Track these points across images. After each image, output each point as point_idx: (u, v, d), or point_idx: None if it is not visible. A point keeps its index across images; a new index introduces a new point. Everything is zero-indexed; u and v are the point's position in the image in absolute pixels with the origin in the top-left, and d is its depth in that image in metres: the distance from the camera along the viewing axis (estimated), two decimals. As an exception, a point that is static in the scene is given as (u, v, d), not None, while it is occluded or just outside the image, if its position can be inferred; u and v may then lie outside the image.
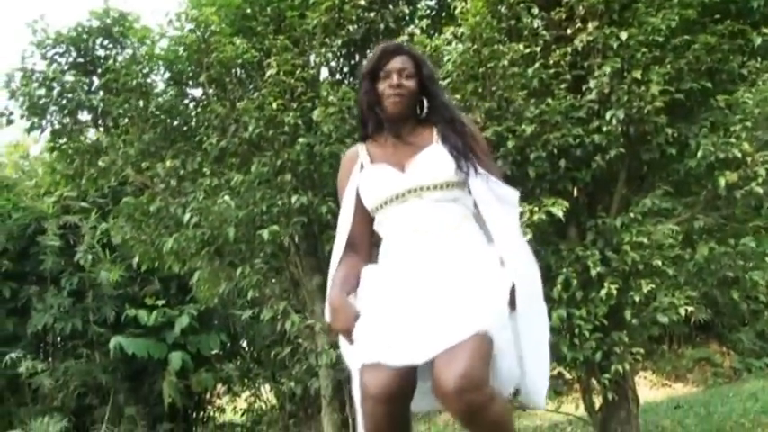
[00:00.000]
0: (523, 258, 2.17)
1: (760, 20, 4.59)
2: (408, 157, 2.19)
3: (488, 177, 2.21)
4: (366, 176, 2.24)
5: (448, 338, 1.86)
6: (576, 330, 4.40)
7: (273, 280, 5.27)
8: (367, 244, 2.27)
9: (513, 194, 2.26)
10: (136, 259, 6.06)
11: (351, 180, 2.27)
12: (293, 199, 4.71)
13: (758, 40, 4.45)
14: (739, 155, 4.32)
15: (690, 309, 4.54)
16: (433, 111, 2.23)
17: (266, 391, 8.74)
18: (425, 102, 2.23)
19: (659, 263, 4.40)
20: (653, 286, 4.42)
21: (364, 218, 2.25)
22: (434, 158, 2.17)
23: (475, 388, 1.80)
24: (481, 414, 1.80)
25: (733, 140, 4.36)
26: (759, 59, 4.67)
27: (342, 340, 2.19)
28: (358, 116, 2.35)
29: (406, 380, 1.93)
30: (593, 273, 4.36)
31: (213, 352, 8.52)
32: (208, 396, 9.08)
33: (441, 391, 1.82)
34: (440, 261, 2.07)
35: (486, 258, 2.11)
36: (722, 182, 4.35)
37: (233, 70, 5.25)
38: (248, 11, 5.32)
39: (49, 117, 5.47)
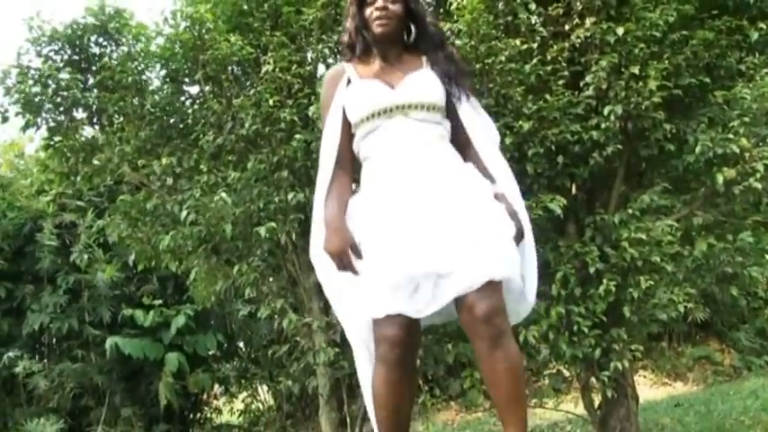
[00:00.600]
0: (510, 178, 2.35)
1: (757, 15, 4.62)
2: (398, 77, 2.27)
3: (476, 105, 2.36)
4: (354, 90, 2.30)
5: (468, 284, 2.02)
6: (575, 327, 4.43)
7: (271, 278, 5.28)
8: (352, 161, 2.34)
9: (492, 124, 2.44)
10: (132, 258, 6.07)
11: (337, 95, 2.32)
12: (290, 196, 4.73)
13: (755, 35, 4.48)
14: (738, 150, 4.35)
15: (689, 305, 4.56)
16: (421, 36, 2.35)
17: (263, 392, 8.75)
18: (412, 27, 2.32)
19: (658, 259, 4.42)
20: (652, 283, 4.45)
21: (350, 135, 2.31)
22: (424, 80, 2.26)
23: (501, 313, 2.04)
24: (504, 338, 2.02)
25: (731, 136, 4.38)
26: (757, 55, 4.71)
27: (326, 276, 2.29)
28: (345, 43, 2.41)
29: (418, 328, 2.13)
30: (592, 269, 4.39)
31: (210, 352, 8.53)
32: (204, 397, 9.09)
33: (471, 316, 2.03)
34: (434, 187, 2.16)
35: (481, 187, 2.23)
36: (720, 178, 4.37)
37: (229, 67, 5.26)
38: (244, 7, 5.32)
39: (44, 115, 5.47)
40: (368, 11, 2.27)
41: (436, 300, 2.07)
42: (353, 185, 2.37)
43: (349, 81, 2.33)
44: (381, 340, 2.12)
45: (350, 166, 2.33)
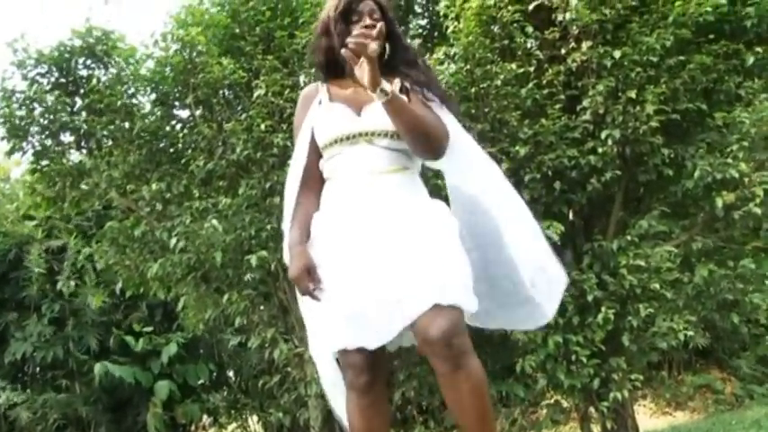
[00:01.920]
0: (506, 191, 2.30)
1: (754, 39, 4.66)
2: (368, 101, 2.22)
3: (447, 116, 2.27)
4: (322, 113, 2.29)
5: (416, 309, 2.00)
6: (573, 357, 4.40)
7: (261, 306, 5.24)
8: (320, 180, 2.31)
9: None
10: (119, 285, 6.02)
11: (308, 115, 2.32)
12: (282, 223, 4.69)
13: (751, 59, 4.52)
14: (737, 175, 4.36)
15: (689, 333, 4.54)
16: (395, 55, 2.29)
17: (254, 423, 8.64)
18: (387, 47, 2.27)
19: (657, 286, 4.42)
20: (651, 311, 4.44)
21: (318, 154, 2.30)
22: None
23: (460, 333, 2.00)
24: (464, 358, 1.98)
25: (730, 161, 4.40)
26: (755, 79, 4.74)
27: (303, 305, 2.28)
28: (322, 60, 2.37)
29: (383, 351, 2.13)
30: (590, 297, 4.37)
31: (200, 382, 8.44)
32: (193, 428, 8.97)
33: (427, 340, 1.99)
34: (392, 213, 2.15)
35: (440, 220, 2.19)
36: (720, 203, 4.38)
37: (220, 91, 5.27)
38: (236, 30, 5.34)
39: (30, 139, 5.45)
40: (354, 29, 2.22)
41: (389, 327, 2.06)
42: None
43: (320, 102, 2.34)
44: (347, 368, 2.15)
45: (316, 182, 2.30)
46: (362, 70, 2.07)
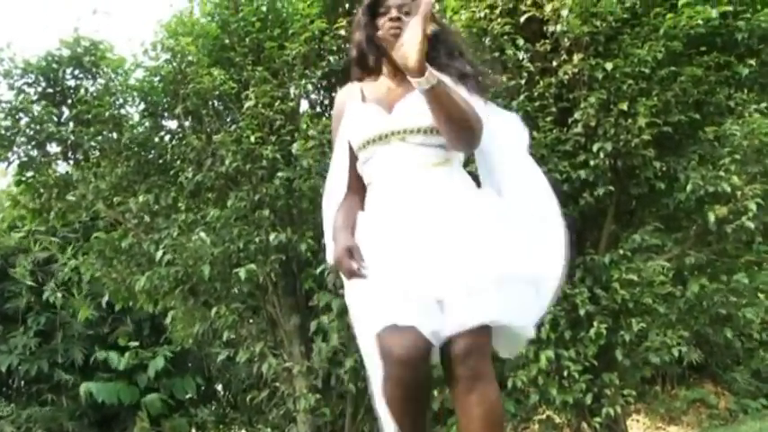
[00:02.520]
0: (535, 184, 2.20)
1: (745, 52, 4.68)
2: (399, 97, 2.20)
3: (493, 107, 2.22)
4: (353, 115, 2.27)
5: (464, 319, 1.94)
6: (565, 372, 4.38)
7: (250, 320, 5.20)
8: (361, 184, 2.27)
9: (517, 123, 2.27)
10: (106, 298, 5.99)
11: (344, 118, 2.30)
12: (271, 236, 4.68)
13: (744, 71, 4.54)
14: (729, 189, 4.37)
15: (683, 349, 4.54)
16: (434, 50, 2.19)
17: (242, 438, 8.59)
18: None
19: (650, 301, 4.42)
20: (644, 325, 4.43)
21: (356, 158, 2.26)
22: (422, 103, 2.12)
23: (481, 355, 1.95)
24: (481, 381, 1.93)
25: (722, 174, 4.41)
26: (746, 91, 4.76)
27: (355, 302, 2.17)
28: (355, 55, 2.35)
29: (428, 341, 1.97)
30: (582, 312, 4.36)
31: (188, 396, 8.37)
32: (181, 443, 8.90)
33: (447, 353, 1.95)
34: (433, 214, 2.08)
35: (490, 213, 2.10)
36: (712, 216, 4.39)
37: (210, 102, 5.25)
38: (226, 41, 5.33)
39: (15, 149, 5.41)
40: (380, 21, 2.22)
41: (440, 328, 1.97)
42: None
43: (353, 104, 2.32)
44: (388, 358, 1.98)
45: (360, 189, 2.27)
46: (402, 54, 1.99)
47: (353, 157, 2.26)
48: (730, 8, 4.50)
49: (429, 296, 1.98)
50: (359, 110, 2.26)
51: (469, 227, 2.05)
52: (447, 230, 2.04)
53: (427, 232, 2.05)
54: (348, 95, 2.32)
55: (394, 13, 2.18)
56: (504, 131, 2.23)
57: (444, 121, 2.07)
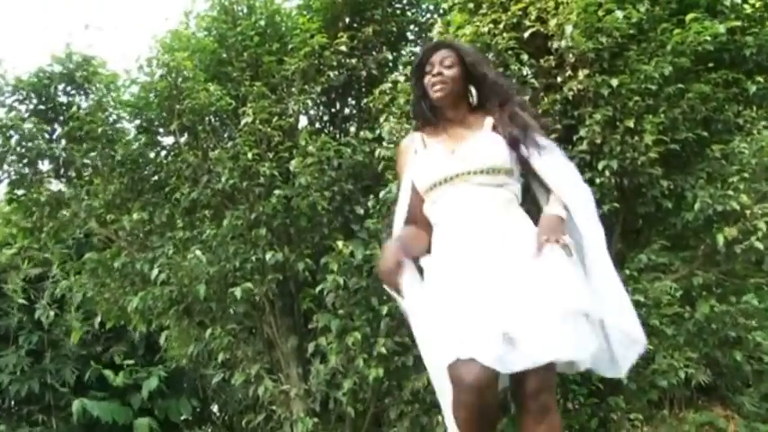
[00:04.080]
0: (597, 239, 2.47)
1: (754, 68, 4.66)
2: (460, 142, 2.43)
3: (556, 155, 2.51)
4: (419, 160, 2.50)
5: (536, 356, 2.15)
6: (570, 395, 4.34)
7: (246, 341, 5.14)
8: (425, 221, 2.49)
9: (579, 178, 2.56)
10: (99, 318, 5.93)
11: (408, 166, 2.54)
12: (268, 255, 4.63)
13: (753, 88, 4.51)
14: (738, 208, 4.33)
15: (690, 371, 4.48)
16: (485, 96, 2.49)
17: (238, 460, 8.48)
18: (473, 90, 2.50)
19: (657, 322, 4.35)
20: (651, 347, 4.36)
21: (421, 202, 2.50)
22: (484, 143, 2.41)
23: (550, 389, 2.23)
24: (549, 414, 2.21)
25: (731, 192, 4.37)
26: (755, 108, 4.73)
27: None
28: (413, 114, 2.71)
29: (492, 369, 2.19)
30: (588, 333, 4.29)
31: (182, 417, 8.29)
32: (175, 465, 8.79)
33: (521, 390, 2.21)
34: (501, 252, 2.28)
35: (552, 253, 2.28)
36: (721, 237, 4.34)
37: (206, 118, 5.21)
38: (223, 56, 5.31)
39: (6, 167, 5.37)
40: (426, 79, 2.48)
41: (508, 364, 2.17)
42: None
43: (416, 151, 2.56)
44: (459, 385, 2.21)
45: (424, 224, 2.49)
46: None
47: (416, 198, 2.48)
48: (738, 23, 4.47)
49: (496, 329, 2.15)
50: (424, 155, 2.49)
51: (534, 263, 2.25)
52: (513, 266, 2.25)
53: (495, 267, 2.25)
54: (411, 141, 2.58)
55: (436, 69, 2.44)
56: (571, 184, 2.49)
57: None
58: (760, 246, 4.32)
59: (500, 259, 2.26)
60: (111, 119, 5.44)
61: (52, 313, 7.77)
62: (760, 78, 4.53)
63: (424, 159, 2.49)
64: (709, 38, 4.32)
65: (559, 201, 2.42)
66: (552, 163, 2.48)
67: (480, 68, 2.50)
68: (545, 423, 2.21)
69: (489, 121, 2.46)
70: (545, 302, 2.19)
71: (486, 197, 2.37)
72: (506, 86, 2.64)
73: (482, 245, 2.28)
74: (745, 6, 4.55)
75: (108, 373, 7.75)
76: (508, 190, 2.42)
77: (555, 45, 4.45)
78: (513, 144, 2.42)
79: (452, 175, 2.40)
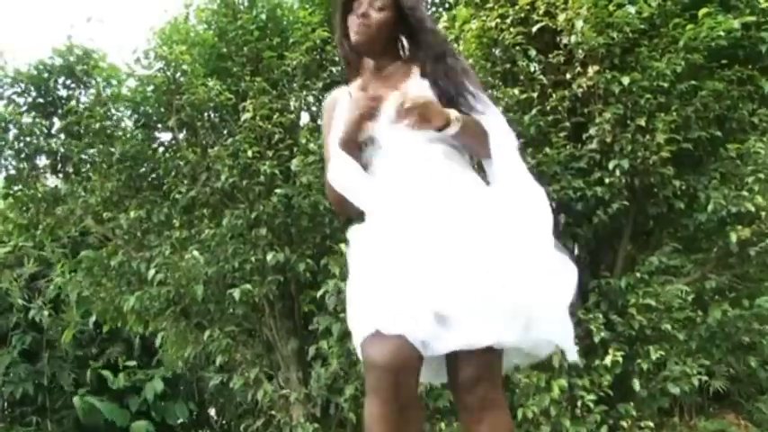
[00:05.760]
0: (538, 198, 2.10)
1: (769, 65, 4.63)
2: (397, 86, 2.10)
3: (489, 110, 2.14)
4: (345, 116, 2.16)
5: (472, 338, 1.84)
6: (579, 402, 4.32)
7: (245, 344, 5.13)
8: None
9: (509, 128, 2.18)
10: (94, 318, 5.94)
11: (332, 125, 2.21)
12: (269, 256, 4.62)
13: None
14: (752, 209, 4.31)
15: (703, 378, 4.46)
16: (418, 47, 2.17)
17: (237, 465, 8.49)
18: (404, 39, 2.19)
19: (669, 327, 4.34)
20: (662, 353, 4.36)
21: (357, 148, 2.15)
22: (412, 92, 2.07)
23: (490, 382, 1.88)
24: (491, 411, 1.87)
25: (745, 193, 4.35)
26: (770, 107, 4.70)
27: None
28: (342, 57, 2.32)
29: (415, 350, 1.85)
30: (597, 338, 4.28)
31: (180, 421, 8.29)
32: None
33: (455, 380, 1.91)
34: (447, 208, 1.98)
35: (507, 213, 2.00)
36: (734, 238, 4.33)
37: (205, 114, 5.21)
38: (223, 50, 5.30)
39: (3, 162, 5.39)
40: (350, 19, 2.16)
41: (435, 344, 1.84)
42: None
43: (350, 96, 2.23)
44: (371, 366, 1.86)
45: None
46: (416, 119, 1.97)
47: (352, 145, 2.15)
48: (753, 18, 4.44)
49: (427, 306, 1.85)
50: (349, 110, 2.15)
51: (483, 237, 1.93)
52: (458, 237, 1.92)
53: (436, 237, 1.93)
54: (336, 98, 2.25)
55: (362, 8, 2.12)
56: (501, 133, 2.15)
57: (472, 144, 2.10)
58: (775, 247, 4.31)
59: (444, 226, 1.94)
60: (109, 113, 5.43)
61: (47, 313, 7.77)
62: (775, 76, 4.50)
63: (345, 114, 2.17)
64: (722, 33, 4.30)
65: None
66: (490, 120, 2.15)
67: (418, 14, 2.18)
68: (486, 422, 1.85)
69: (416, 70, 2.16)
70: (488, 284, 1.86)
71: (433, 150, 2.07)
72: (443, 37, 2.31)
73: (426, 207, 1.99)
74: (760, 0, 4.51)
75: (107, 374, 7.74)
76: (445, 144, 2.10)
77: (564, 40, 4.44)
78: (449, 103, 2.09)
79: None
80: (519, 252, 1.94)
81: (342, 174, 2.11)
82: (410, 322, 1.83)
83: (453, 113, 2.02)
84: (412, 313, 1.84)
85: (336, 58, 5.11)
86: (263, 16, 5.28)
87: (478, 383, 1.87)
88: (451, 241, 1.91)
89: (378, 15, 2.12)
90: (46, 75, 5.52)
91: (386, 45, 2.18)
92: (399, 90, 2.06)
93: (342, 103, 2.21)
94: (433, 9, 5.81)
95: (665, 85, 4.32)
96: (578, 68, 4.45)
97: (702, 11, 4.30)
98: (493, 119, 2.14)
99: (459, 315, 1.84)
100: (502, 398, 1.93)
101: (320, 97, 5.29)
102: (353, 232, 2.12)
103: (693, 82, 4.41)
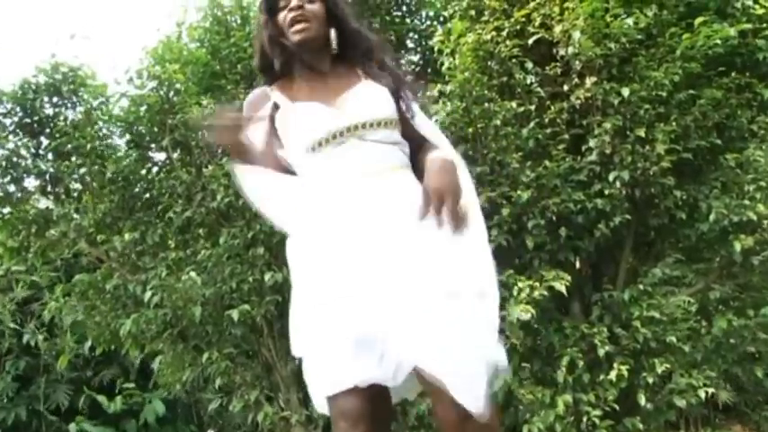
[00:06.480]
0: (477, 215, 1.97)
1: (767, 72, 4.65)
2: (335, 94, 1.98)
3: (422, 114, 2.07)
4: (287, 117, 1.99)
5: (448, 361, 1.71)
6: (585, 418, 4.30)
7: (244, 366, 5.10)
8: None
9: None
10: (90, 342, 5.90)
11: (260, 115, 2.00)
12: (266, 276, 4.60)
13: (766, 93, 4.51)
14: (754, 218, 4.31)
15: (710, 390, 4.45)
16: (347, 43, 2.04)
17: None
18: (333, 34, 2.02)
19: (673, 339, 4.33)
20: (668, 366, 4.35)
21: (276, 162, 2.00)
22: (370, 94, 1.99)
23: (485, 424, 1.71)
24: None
25: (747, 202, 4.36)
26: (769, 114, 4.72)
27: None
28: (258, 65, 2.11)
29: (387, 397, 1.86)
30: (601, 352, 4.27)
31: (178, 444, 8.24)
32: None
33: (440, 406, 1.75)
34: (399, 224, 1.86)
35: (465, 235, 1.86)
36: (737, 247, 4.33)
37: (199, 132, 5.19)
38: (217, 68, 5.31)
39: (-9, 184, 5.38)
40: (281, 16, 2.00)
41: (403, 360, 1.76)
42: None
43: (277, 107, 2.02)
44: (339, 418, 1.84)
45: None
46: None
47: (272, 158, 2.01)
48: (749, 26, 4.47)
49: (377, 331, 1.77)
50: (293, 110, 1.98)
51: (437, 253, 1.82)
52: (410, 244, 1.83)
53: (387, 246, 1.83)
54: (264, 96, 2.03)
55: (294, 2, 1.97)
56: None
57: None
58: (778, 256, 4.32)
59: (398, 242, 1.83)
60: (100, 133, 5.42)
61: (41, 337, 7.72)
62: (773, 83, 4.53)
63: (295, 115, 1.97)
64: (719, 41, 4.32)
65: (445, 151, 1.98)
66: (427, 120, 2.07)
67: (342, 7, 2.05)
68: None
69: (359, 71, 2.02)
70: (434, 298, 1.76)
71: (386, 158, 1.94)
72: (368, 32, 2.14)
73: (377, 223, 1.87)
74: (756, 8, 4.54)
75: (102, 399, 7.69)
76: (402, 151, 1.98)
77: (561, 52, 4.45)
78: (395, 96, 2.00)
79: (342, 130, 1.92)
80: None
81: (256, 187, 2.04)
82: (367, 362, 1.79)
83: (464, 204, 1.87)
84: (370, 350, 1.78)
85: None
86: (256, 33, 5.27)
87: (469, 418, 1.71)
88: (403, 262, 1.82)
89: (312, 7, 2.00)
90: (31, 94, 5.51)
91: (323, 41, 2.03)
92: (349, 85, 1.98)
93: (273, 102, 2.03)
94: (428, 23, 5.83)
95: (664, 94, 4.33)
96: (576, 80, 4.46)
97: (699, 19, 4.32)
98: (423, 123, 2.06)
99: (409, 332, 1.75)
100: (494, 420, 1.78)
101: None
102: (288, 247, 2.04)
103: (692, 91, 4.43)
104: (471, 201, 1.95)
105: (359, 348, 1.79)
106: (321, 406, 1.95)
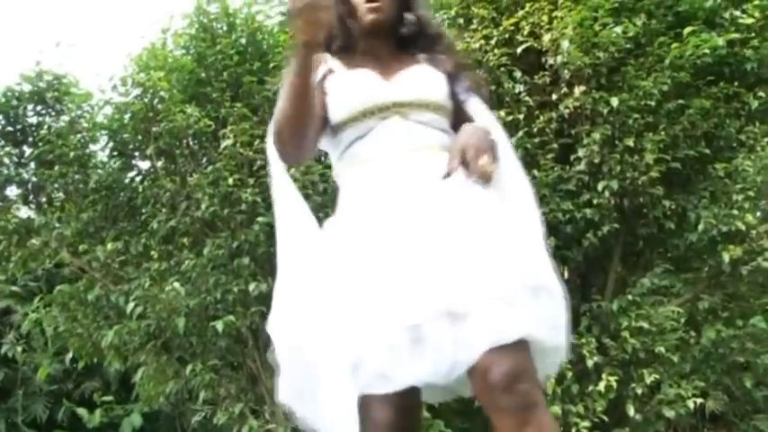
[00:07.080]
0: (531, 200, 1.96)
1: (755, 82, 4.70)
2: (392, 72, 1.98)
3: (483, 103, 2.04)
4: (340, 81, 1.97)
5: (500, 333, 1.60)
6: (574, 429, 4.30)
7: (229, 378, 5.07)
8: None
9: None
10: (71, 353, 5.84)
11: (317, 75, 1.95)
12: (251, 286, 4.58)
13: (755, 103, 4.55)
14: (743, 227, 4.35)
15: (699, 401, 4.47)
16: (415, 30, 2.06)
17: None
18: (410, 17, 2.05)
19: (662, 349, 4.35)
20: (656, 376, 4.37)
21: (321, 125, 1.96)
22: (425, 77, 1.99)
23: (530, 378, 1.60)
24: (534, 411, 1.58)
25: (735, 212, 4.39)
26: (757, 124, 4.76)
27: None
28: (323, 36, 1.98)
29: (417, 400, 1.87)
30: (590, 363, 4.29)
31: (161, 457, 8.16)
32: None
33: (485, 383, 1.59)
34: (444, 203, 1.79)
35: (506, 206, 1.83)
36: (726, 257, 4.36)
37: (184, 141, 5.18)
38: (202, 76, 5.27)
39: (-31, 193, 5.33)
40: None
41: (454, 357, 1.62)
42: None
43: (331, 71, 1.99)
44: (370, 426, 1.79)
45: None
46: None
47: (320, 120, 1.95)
48: (737, 35, 4.52)
49: (443, 310, 1.63)
50: (345, 76, 1.97)
51: (490, 226, 1.74)
52: (459, 231, 1.72)
53: (436, 233, 1.73)
54: (319, 60, 1.95)
55: None
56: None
57: None
58: (767, 265, 4.34)
59: (441, 221, 1.75)
60: (83, 142, 5.39)
61: (20, 348, 7.64)
62: (762, 93, 4.57)
63: (345, 81, 1.96)
64: (707, 51, 4.37)
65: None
66: (483, 109, 2.03)
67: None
68: (533, 424, 1.57)
69: (422, 56, 2.03)
70: (504, 271, 1.66)
71: (426, 139, 1.92)
72: (433, 20, 2.17)
73: (419, 203, 1.80)
74: (744, 18, 4.59)
75: (82, 412, 7.61)
76: (448, 137, 1.94)
77: (549, 61, 4.49)
78: (453, 82, 2.01)
79: (387, 104, 1.90)
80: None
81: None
82: (411, 361, 1.66)
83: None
84: (413, 347, 1.64)
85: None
86: (243, 40, 5.26)
87: (517, 380, 1.59)
88: (456, 239, 1.72)
89: None
90: (15, 102, 5.48)
91: (392, 27, 2.05)
92: (408, 66, 1.98)
93: (329, 67, 1.99)
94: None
95: (653, 104, 4.37)
96: (564, 89, 4.50)
97: (687, 29, 4.37)
98: (475, 105, 2.03)
99: (475, 312, 1.62)
100: (543, 397, 1.68)
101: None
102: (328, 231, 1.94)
103: (680, 100, 4.47)
104: (512, 163, 1.92)
105: (413, 343, 1.66)
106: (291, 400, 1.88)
